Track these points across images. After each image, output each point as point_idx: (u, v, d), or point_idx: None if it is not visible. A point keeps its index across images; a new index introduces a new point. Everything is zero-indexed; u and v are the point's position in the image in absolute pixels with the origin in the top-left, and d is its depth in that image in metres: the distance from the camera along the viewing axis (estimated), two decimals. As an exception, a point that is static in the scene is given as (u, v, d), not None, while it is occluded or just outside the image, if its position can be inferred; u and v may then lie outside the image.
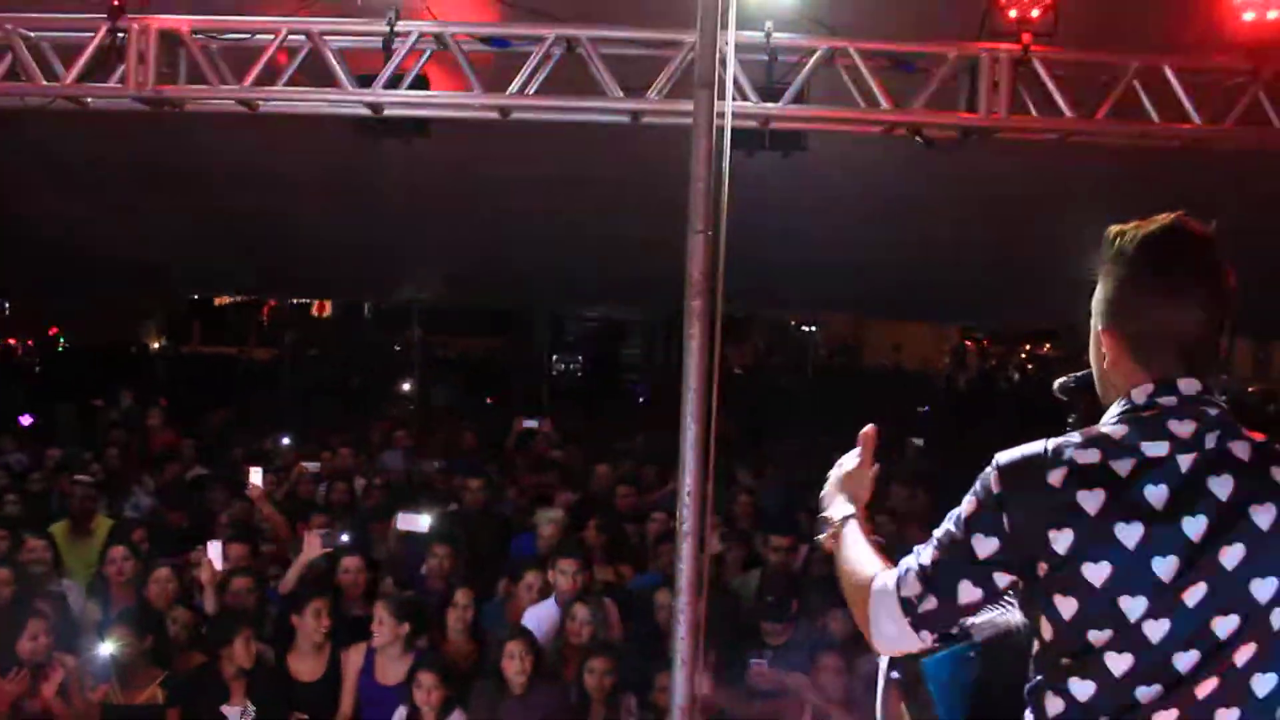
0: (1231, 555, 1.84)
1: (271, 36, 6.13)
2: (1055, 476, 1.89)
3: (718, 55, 4.13)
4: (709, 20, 4.11)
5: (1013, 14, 5.69)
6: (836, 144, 6.97)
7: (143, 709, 5.30)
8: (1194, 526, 1.84)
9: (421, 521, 7.11)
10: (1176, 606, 1.84)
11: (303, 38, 6.13)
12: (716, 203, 4.07)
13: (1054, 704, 1.93)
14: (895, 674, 2.28)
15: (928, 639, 2.03)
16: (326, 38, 6.12)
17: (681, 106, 5.34)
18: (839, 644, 5.41)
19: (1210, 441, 1.89)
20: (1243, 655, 1.85)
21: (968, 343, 33.26)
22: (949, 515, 2.03)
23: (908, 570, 2.03)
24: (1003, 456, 1.97)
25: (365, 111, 6.32)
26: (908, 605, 2.01)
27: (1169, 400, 1.92)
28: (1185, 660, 1.84)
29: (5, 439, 9.98)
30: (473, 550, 7.07)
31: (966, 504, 1.99)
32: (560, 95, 6.17)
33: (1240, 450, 1.90)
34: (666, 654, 4.32)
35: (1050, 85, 5.93)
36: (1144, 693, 1.86)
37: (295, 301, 26.90)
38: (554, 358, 24.45)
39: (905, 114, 6.07)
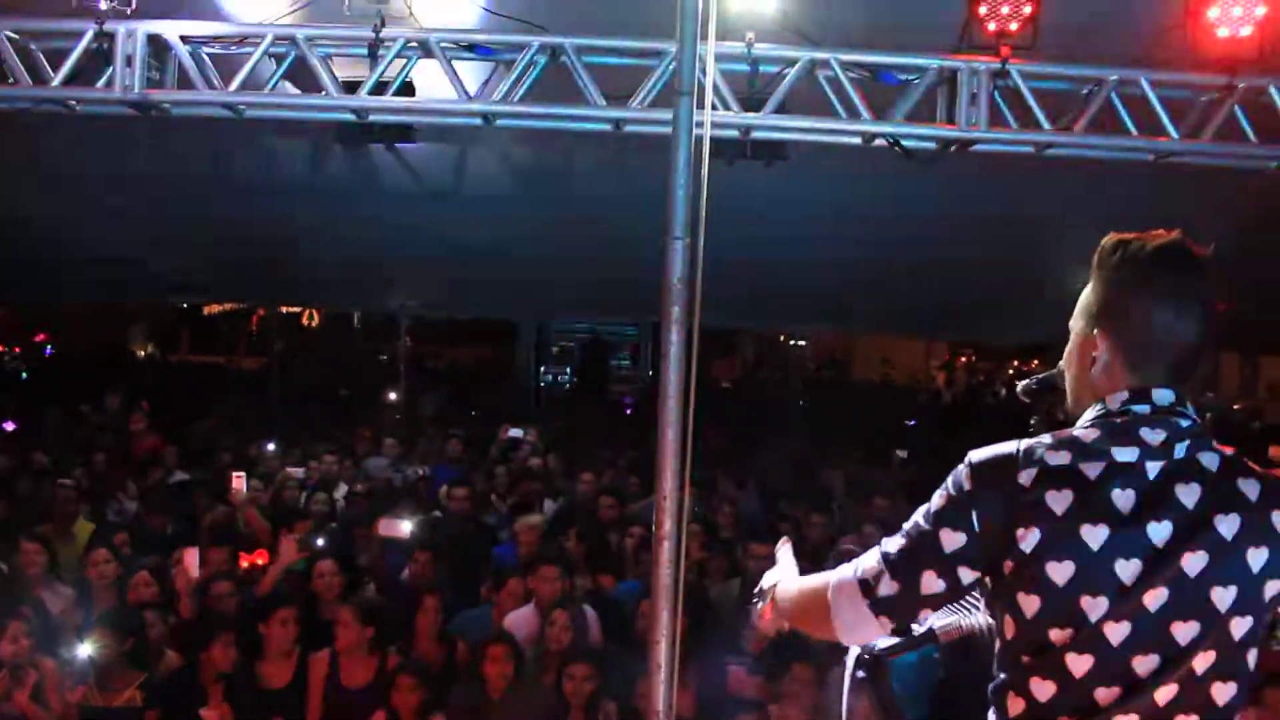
0: (1194, 562, 1.86)
1: (259, 41, 6.17)
2: (1025, 476, 1.92)
3: (697, 62, 4.17)
4: (689, 27, 4.15)
5: (992, 27, 5.74)
6: (822, 158, 7.03)
7: (121, 711, 5.30)
8: (1159, 532, 1.87)
9: (403, 527, 7.15)
10: (1137, 610, 1.86)
11: (289, 44, 6.17)
12: (695, 210, 4.11)
13: (1015, 704, 1.95)
14: (861, 674, 2.30)
15: (887, 625, 2.03)
16: (312, 43, 6.16)
17: (663, 115, 5.38)
18: (814, 654, 5.43)
19: (1180, 451, 1.92)
20: (1202, 663, 1.87)
21: (956, 358, 33.37)
22: (919, 509, 2.06)
23: (871, 557, 2.06)
24: (976, 454, 2.00)
25: (350, 117, 6.36)
26: (866, 587, 2.03)
27: (1142, 408, 1.95)
28: (1145, 664, 1.86)
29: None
30: (456, 557, 7.09)
31: (937, 498, 2.02)
32: (544, 102, 6.22)
33: (1209, 461, 1.93)
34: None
35: (1029, 98, 6.00)
36: (1103, 694, 1.88)
37: (285, 311, 26.87)
38: (542, 369, 24.44)
39: (884, 125, 6.13)
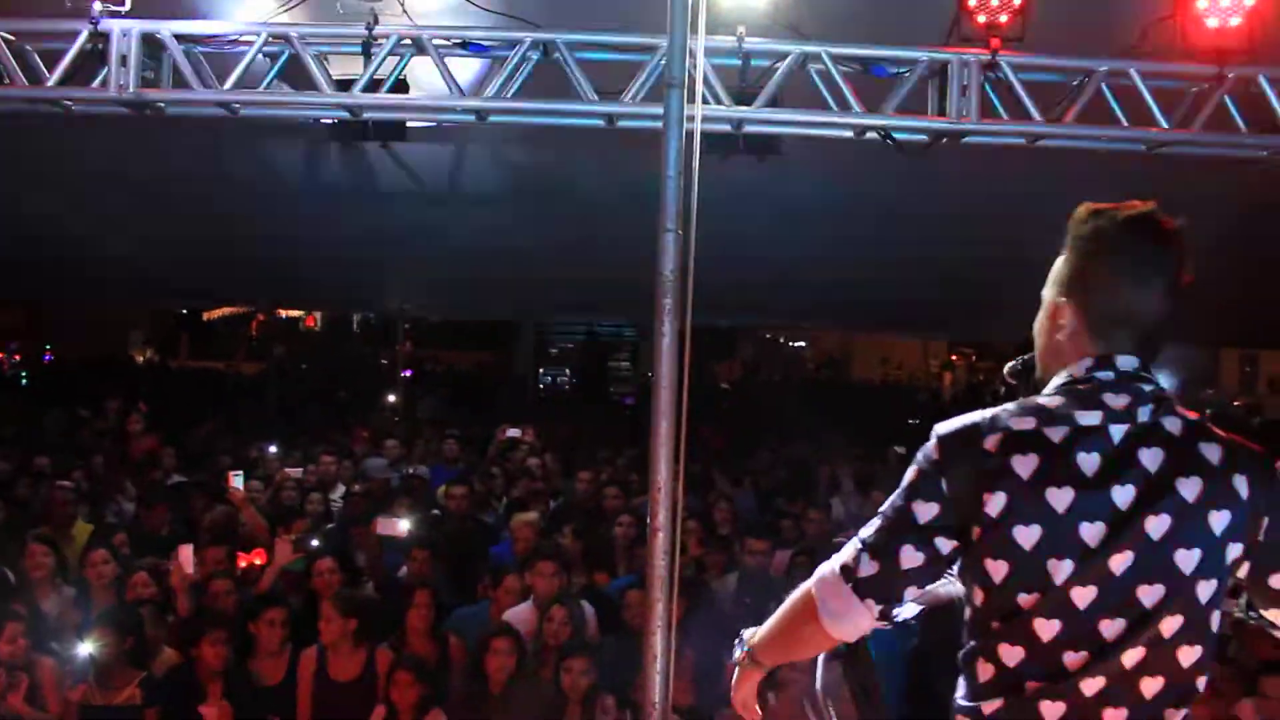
0: (1157, 525, 1.88)
1: (254, 40, 6.20)
2: (990, 441, 1.94)
3: (687, 56, 4.20)
4: (679, 20, 4.18)
5: (981, 19, 5.76)
6: (816, 155, 7.05)
7: (121, 709, 5.31)
8: (1122, 495, 1.88)
9: (400, 526, 7.16)
10: (1103, 573, 1.87)
11: (283, 43, 6.20)
12: (687, 202, 4.13)
13: (984, 669, 1.96)
14: (841, 649, 2.29)
15: (873, 608, 2.01)
16: (306, 42, 6.18)
17: (655, 110, 5.41)
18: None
19: (1143, 415, 1.94)
20: (1169, 626, 1.88)
21: (955, 357, 33.36)
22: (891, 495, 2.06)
23: (849, 546, 2.06)
24: (941, 426, 2.01)
25: (344, 115, 6.38)
26: (847, 571, 2.03)
27: (1106, 375, 1.97)
28: (1112, 628, 1.88)
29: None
30: (453, 555, 7.10)
31: (908, 474, 2.03)
32: (536, 98, 6.24)
33: (1172, 425, 1.94)
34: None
35: (1019, 89, 6.02)
36: (1071, 659, 1.89)
37: (284, 315, 26.91)
38: (540, 370, 24.48)
39: (875, 118, 6.15)
